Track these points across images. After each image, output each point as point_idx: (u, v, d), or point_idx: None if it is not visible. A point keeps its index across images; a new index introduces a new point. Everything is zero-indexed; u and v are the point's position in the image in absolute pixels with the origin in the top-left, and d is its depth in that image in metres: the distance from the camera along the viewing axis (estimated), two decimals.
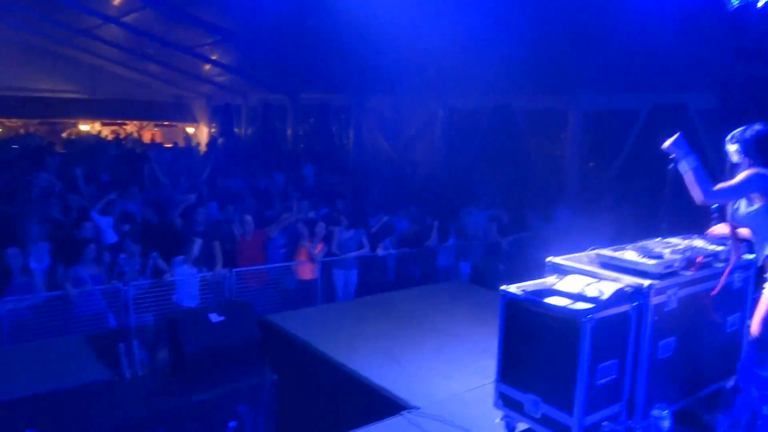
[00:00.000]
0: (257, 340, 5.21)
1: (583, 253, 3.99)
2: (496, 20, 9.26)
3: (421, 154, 14.75)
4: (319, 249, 7.67)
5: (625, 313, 3.44)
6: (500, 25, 9.38)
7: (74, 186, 9.54)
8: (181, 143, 21.35)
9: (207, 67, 17.83)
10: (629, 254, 3.71)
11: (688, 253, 3.76)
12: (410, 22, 9.64)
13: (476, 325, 5.62)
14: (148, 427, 4.45)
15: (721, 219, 4.35)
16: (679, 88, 9.85)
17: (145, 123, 23.86)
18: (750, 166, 3.50)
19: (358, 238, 8.01)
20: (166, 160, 13.06)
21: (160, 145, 20.11)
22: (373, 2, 8.73)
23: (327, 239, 7.75)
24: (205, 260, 6.90)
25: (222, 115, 21.50)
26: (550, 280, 3.80)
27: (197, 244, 6.81)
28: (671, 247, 3.94)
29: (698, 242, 4.11)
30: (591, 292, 3.37)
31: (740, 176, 3.49)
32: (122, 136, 22.97)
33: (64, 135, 22.76)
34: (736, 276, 4.01)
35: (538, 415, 3.51)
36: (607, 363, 3.41)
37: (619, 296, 3.38)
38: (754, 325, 3.54)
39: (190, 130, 23.45)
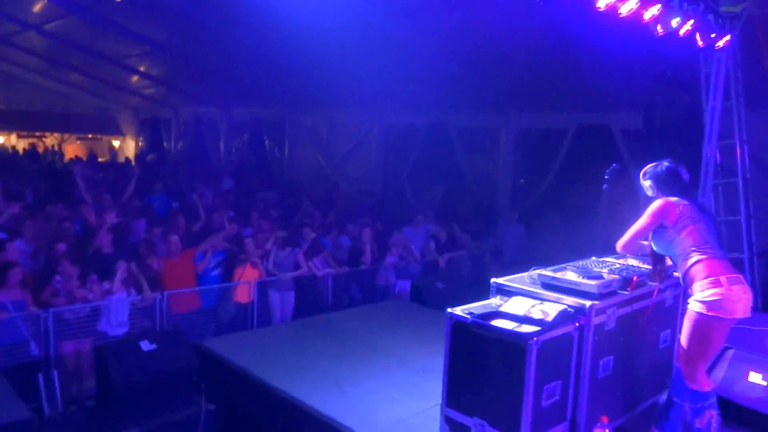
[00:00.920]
0: (192, 368, 4.99)
1: (525, 274, 4.04)
2: (431, 40, 9.41)
3: (356, 170, 14.72)
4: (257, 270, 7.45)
5: (568, 334, 3.50)
6: (435, 44, 9.53)
7: None
8: (107, 157, 20.47)
9: (135, 78, 17.18)
10: (570, 275, 3.78)
11: (624, 273, 3.87)
12: (345, 39, 9.62)
13: (418, 345, 5.60)
14: None
15: None
16: (605, 109, 10.32)
17: (66, 136, 22.70)
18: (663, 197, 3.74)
19: (293, 257, 7.84)
20: (89, 175, 12.40)
21: (94, 157, 19.22)
22: (306, 18, 8.64)
23: (261, 258, 7.55)
24: (133, 284, 6.55)
25: (150, 129, 20.75)
26: (494, 302, 3.82)
27: (121, 268, 6.46)
28: (608, 266, 4.05)
29: (632, 261, 4.26)
30: (536, 314, 3.40)
31: (645, 212, 3.73)
32: (41, 149, 21.78)
33: None
34: (668, 293, 4.16)
35: None
36: (552, 384, 3.45)
37: (563, 317, 3.43)
38: (683, 341, 3.69)
39: (116, 143, 22.51)
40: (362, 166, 14.55)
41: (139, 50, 14.32)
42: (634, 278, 3.84)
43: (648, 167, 3.85)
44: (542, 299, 3.63)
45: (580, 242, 9.87)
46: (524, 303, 3.55)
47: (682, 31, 5.83)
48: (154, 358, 4.84)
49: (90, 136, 22.96)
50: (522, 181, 12.60)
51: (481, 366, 3.51)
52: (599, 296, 3.58)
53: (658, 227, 3.71)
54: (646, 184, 3.85)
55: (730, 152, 7.26)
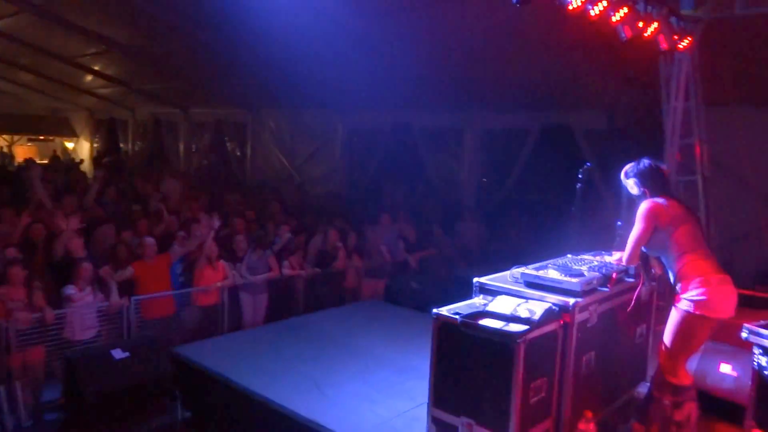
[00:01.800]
0: (167, 375, 4.86)
1: (506, 273, 4.08)
2: (395, 40, 9.42)
3: (321, 171, 14.63)
4: (221, 273, 7.27)
5: (553, 332, 3.54)
6: (400, 44, 9.55)
7: None
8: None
9: (89, 78, 16.64)
10: (552, 273, 3.83)
11: (603, 270, 3.94)
12: (308, 39, 9.54)
13: (396, 345, 5.60)
14: None
15: (625, 238, 4.66)
16: (567, 109, 10.53)
17: (16, 137, 21.81)
18: (649, 195, 3.78)
19: (264, 259, 7.73)
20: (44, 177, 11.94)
21: (56, 159, 18.49)
22: (268, 17, 8.50)
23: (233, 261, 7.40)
24: (100, 288, 6.33)
25: (107, 130, 20.13)
26: (478, 301, 3.84)
27: (87, 270, 6.23)
28: (587, 264, 4.13)
29: (608, 258, 4.34)
30: (523, 313, 3.44)
31: (637, 218, 3.77)
32: None
33: None
34: (644, 289, 4.26)
35: None
36: (538, 381, 3.48)
37: (549, 315, 3.47)
38: (667, 337, 3.78)
39: (70, 145, 21.75)
40: (327, 167, 14.47)
41: (94, 49, 13.88)
42: (614, 275, 3.92)
43: (628, 167, 3.92)
44: (526, 297, 3.67)
45: (545, 240, 10.10)
46: (510, 302, 3.58)
47: (647, 34, 5.99)
48: (126, 366, 4.69)
49: (42, 137, 22.13)
50: (484, 180, 12.76)
51: (469, 365, 3.53)
52: (582, 293, 3.64)
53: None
54: (630, 182, 3.89)
55: (689, 151, 7.50)
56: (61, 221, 7.18)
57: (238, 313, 7.43)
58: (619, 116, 9.16)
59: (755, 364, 3.76)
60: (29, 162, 15.14)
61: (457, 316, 3.51)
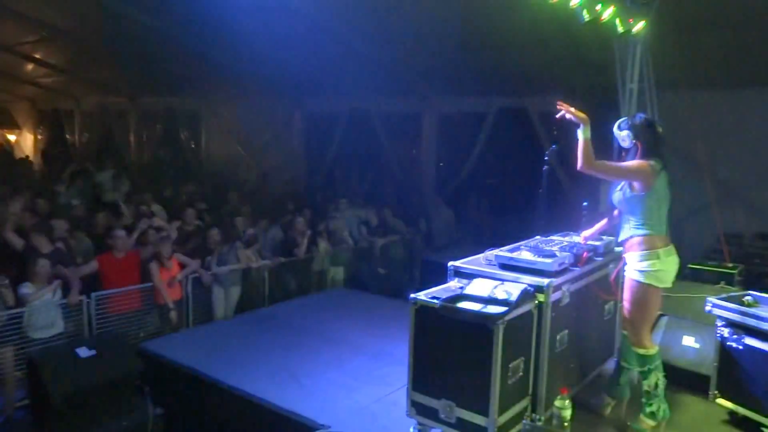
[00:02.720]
0: (136, 372, 4.73)
1: (480, 256, 4.12)
2: (351, 24, 9.33)
3: (278, 158, 14.44)
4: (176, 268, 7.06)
5: (528, 312, 3.61)
6: (356, 29, 9.47)
7: None
8: None
9: (30, 66, 15.90)
10: (525, 254, 3.89)
11: (574, 250, 4.03)
12: (262, 24, 9.34)
13: (367, 331, 5.62)
14: None
15: (590, 218, 4.78)
16: (523, 92, 10.69)
17: None
18: (643, 150, 3.78)
19: (234, 251, 7.58)
20: None
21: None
22: (218, 2, 8.28)
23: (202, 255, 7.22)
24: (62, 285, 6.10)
25: (50, 121, 19.30)
26: (453, 284, 3.87)
27: (42, 266, 5.99)
28: (557, 245, 4.21)
29: (577, 239, 4.44)
30: (500, 294, 3.48)
31: (631, 163, 3.78)
32: None
33: None
34: (611, 266, 4.38)
35: (453, 420, 3.56)
36: (516, 361, 3.55)
37: (525, 296, 3.53)
38: (626, 308, 3.92)
39: (12, 137, 20.78)
40: (284, 155, 14.30)
41: (34, 36, 13.25)
42: (584, 254, 4.01)
43: (621, 119, 3.92)
44: (502, 279, 3.72)
45: (505, 223, 10.29)
46: (486, 284, 3.62)
47: (604, 17, 6.11)
48: (93, 364, 4.54)
49: None
50: (441, 164, 12.86)
51: (448, 349, 3.56)
52: (555, 273, 3.72)
53: (630, 185, 3.81)
54: (623, 134, 3.84)
55: None
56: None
57: (207, 307, 7.25)
58: (577, 98, 9.33)
59: (718, 335, 3.93)
60: None
61: (435, 301, 3.53)
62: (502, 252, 3.96)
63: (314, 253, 8.58)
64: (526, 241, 4.33)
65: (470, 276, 3.86)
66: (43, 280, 5.93)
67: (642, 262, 3.76)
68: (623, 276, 3.99)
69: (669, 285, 3.85)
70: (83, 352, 4.58)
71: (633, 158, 3.82)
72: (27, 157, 18.50)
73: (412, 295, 3.68)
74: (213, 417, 4.65)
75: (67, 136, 18.63)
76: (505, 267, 3.86)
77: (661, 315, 4.91)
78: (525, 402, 3.71)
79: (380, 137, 12.86)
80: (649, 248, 3.75)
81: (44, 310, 5.71)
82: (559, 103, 3.85)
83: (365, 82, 11.37)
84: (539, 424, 3.61)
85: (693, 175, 8.31)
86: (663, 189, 3.78)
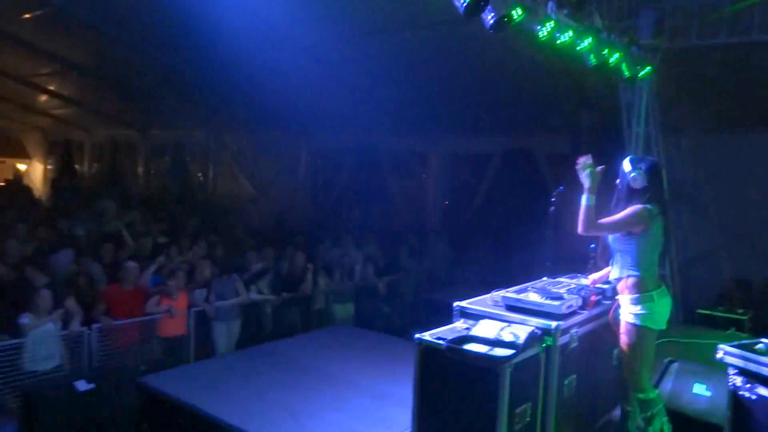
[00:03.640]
0: (134, 408, 4.64)
1: (487, 296, 4.08)
2: (359, 63, 9.47)
3: (285, 193, 14.49)
4: (182, 302, 7.01)
5: (536, 355, 3.54)
6: (364, 68, 9.61)
7: None
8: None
9: (43, 98, 16.15)
10: (532, 296, 3.85)
11: (582, 293, 3.98)
12: (272, 60, 9.51)
13: (370, 371, 5.52)
14: None
15: (598, 261, 4.73)
16: (530, 133, 10.75)
17: None
18: (651, 195, 3.74)
19: (233, 285, 7.53)
20: None
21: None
22: (229, 38, 8.41)
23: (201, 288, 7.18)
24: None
25: (61, 152, 19.51)
26: (459, 325, 3.81)
27: (44, 298, 5.94)
28: (565, 287, 4.16)
29: (585, 281, 4.39)
30: (507, 337, 3.42)
31: (627, 211, 3.74)
32: None
33: None
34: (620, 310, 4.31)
35: None
36: (523, 406, 3.47)
37: (532, 339, 3.47)
38: (624, 353, 3.85)
39: (22, 167, 20.96)
40: (291, 189, 14.35)
41: (48, 68, 13.49)
42: (593, 298, 3.96)
43: (634, 158, 3.92)
44: (508, 321, 3.67)
45: (511, 264, 10.21)
46: (493, 326, 3.57)
47: (611, 61, 6.18)
48: (90, 399, 4.46)
49: None
50: (446, 202, 12.87)
51: (453, 391, 3.48)
52: (563, 316, 3.66)
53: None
54: (636, 173, 3.76)
55: None
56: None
57: (208, 343, 7.16)
58: (581, 140, 9.39)
59: (731, 384, 3.84)
60: None
61: (441, 342, 3.47)
62: (509, 293, 3.91)
63: (315, 291, 8.48)
64: (533, 283, 4.29)
65: (476, 317, 3.81)
66: (44, 311, 5.87)
67: (636, 306, 3.74)
68: (618, 318, 3.93)
69: (663, 327, 3.83)
70: (81, 385, 4.51)
71: (637, 200, 3.76)
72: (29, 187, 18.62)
73: (418, 336, 3.62)
74: None
75: (77, 167, 18.80)
76: (511, 308, 3.81)
77: (672, 361, 4.82)
78: None
79: (386, 174, 12.90)
80: (643, 291, 3.73)
81: (44, 341, 5.63)
82: (583, 157, 3.84)
83: (372, 119, 11.49)
84: None
85: (700, 219, 8.27)
86: (658, 232, 3.77)
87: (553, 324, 3.58)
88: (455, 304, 3.98)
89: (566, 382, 3.74)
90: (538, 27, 5.19)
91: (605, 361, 4.31)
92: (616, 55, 6.27)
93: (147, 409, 4.79)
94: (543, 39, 5.26)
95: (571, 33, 5.55)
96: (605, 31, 6.06)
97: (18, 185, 18.30)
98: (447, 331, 3.70)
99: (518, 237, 11.16)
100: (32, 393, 4.49)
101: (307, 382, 5.27)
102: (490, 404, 3.30)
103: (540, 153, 10.79)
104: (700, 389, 4.48)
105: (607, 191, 4.01)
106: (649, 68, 6.97)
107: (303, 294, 8.24)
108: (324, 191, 14.15)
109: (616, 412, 4.43)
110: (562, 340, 3.64)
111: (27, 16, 9.99)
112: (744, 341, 3.93)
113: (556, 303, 3.69)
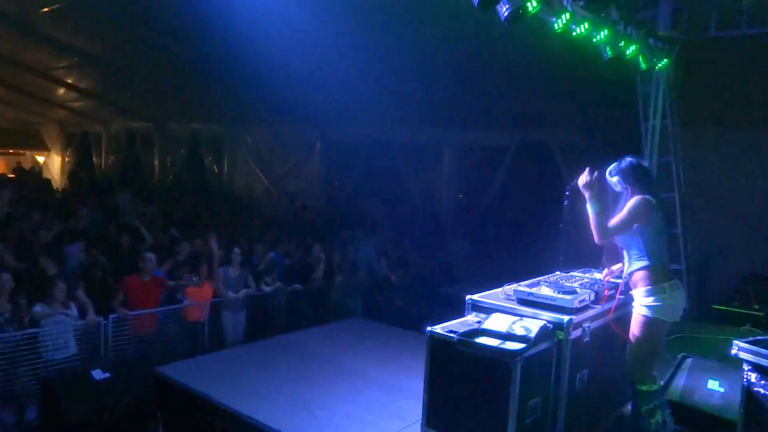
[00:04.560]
0: (149, 397, 4.71)
1: (499, 290, 4.07)
2: (373, 55, 9.45)
3: (299, 186, 14.55)
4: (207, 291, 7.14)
5: (548, 349, 3.53)
6: (378, 59, 9.58)
7: None
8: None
9: (61, 91, 16.34)
10: (545, 290, 3.83)
11: (596, 287, 3.97)
12: (286, 53, 9.51)
13: (383, 363, 5.54)
14: None
15: (612, 255, 4.70)
16: (545, 127, 10.66)
17: None
18: (633, 192, 3.84)
19: (244, 276, 7.60)
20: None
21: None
22: (244, 31, 8.44)
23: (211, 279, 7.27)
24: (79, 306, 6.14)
25: (79, 144, 19.75)
26: (471, 319, 3.82)
27: (59, 289, 6.04)
28: (578, 281, 4.14)
29: (598, 275, 4.37)
30: (518, 331, 3.42)
31: (627, 206, 3.81)
32: None
33: None
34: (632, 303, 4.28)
35: None
36: (534, 400, 3.46)
37: (544, 333, 3.47)
38: (633, 344, 3.84)
39: (40, 158, 21.26)
40: (305, 182, 14.39)
41: (66, 62, 13.64)
42: (606, 292, 3.94)
43: (612, 166, 3.97)
44: (520, 315, 3.66)
45: (524, 257, 10.17)
46: (505, 319, 3.57)
47: (628, 53, 6.11)
48: (108, 387, 4.53)
49: (11, 150, 21.57)
50: (461, 196, 12.82)
51: (464, 384, 3.49)
52: (576, 311, 3.65)
53: None
54: (614, 180, 3.93)
55: (666, 169, 7.65)
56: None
57: (220, 330, 7.27)
58: (597, 134, 9.31)
59: (745, 380, 3.80)
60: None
61: (453, 335, 3.47)
62: (522, 287, 3.90)
63: (331, 282, 8.53)
64: (545, 277, 4.27)
65: (488, 310, 3.81)
66: (59, 302, 5.96)
67: (648, 297, 3.75)
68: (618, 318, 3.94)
69: (677, 319, 3.85)
70: (98, 374, 4.58)
71: (626, 200, 3.85)
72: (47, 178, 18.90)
73: (429, 329, 3.63)
74: None
75: (94, 159, 19.01)
76: (523, 302, 3.81)
77: (685, 356, 4.79)
78: None
79: (400, 167, 12.88)
80: (655, 283, 3.74)
81: (58, 330, 5.72)
82: (589, 171, 3.90)
83: (387, 112, 11.47)
84: None
85: (716, 214, 8.17)
86: (659, 221, 3.80)
87: (566, 318, 3.57)
88: (467, 297, 3.99)
89: (578, 376, 3.73)
90: (554, 19, 5.15)
91: (618, 356, 4.28)
92: (633, 47, 6.20)
93: (162, 399, 4.85)
94: (558, 31, 5.23)
95: (587, 25, 5.51)
96: (622, 22, 5.99)
97: (37, 176, 18.58)
98: (458, 324, 3.70)
99: (532, 230, 11.12)
100: (51, 381, 4.57)
101: (320, 374, 5.31)
102: (501, 398, 3.30)
103: (555, 146, 10.70)
104: (713, 385, 4.44)
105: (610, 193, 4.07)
106: (666, 60, 6.89)
107: (314, 285, 8.29)
108: (338, 184, 14.16)
109: (629, 407, 4.41)
110: (575, 334, 3.63)
111: (46, 9, 10.11)
112: (759, 337, 3.89)
113: (569, 297, 3.68)
